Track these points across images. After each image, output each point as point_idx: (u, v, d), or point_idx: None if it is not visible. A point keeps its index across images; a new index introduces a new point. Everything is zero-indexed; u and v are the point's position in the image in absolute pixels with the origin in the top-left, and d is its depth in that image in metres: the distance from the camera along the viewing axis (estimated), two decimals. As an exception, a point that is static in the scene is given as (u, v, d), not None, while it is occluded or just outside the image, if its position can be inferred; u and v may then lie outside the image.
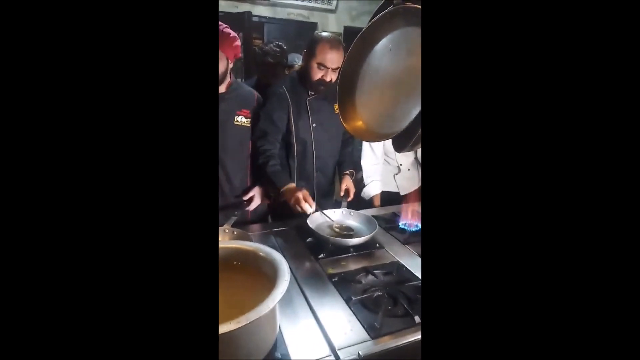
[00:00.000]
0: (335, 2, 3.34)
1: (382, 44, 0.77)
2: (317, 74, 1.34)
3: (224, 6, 3.02)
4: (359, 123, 0.82)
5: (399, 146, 0.73)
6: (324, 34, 1.39)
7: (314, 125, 1.45)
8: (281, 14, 3.31)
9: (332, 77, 1.35)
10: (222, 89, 1.34)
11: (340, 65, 1.34)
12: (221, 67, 1.26)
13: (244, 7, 3.08)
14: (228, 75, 1.32)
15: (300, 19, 3.38)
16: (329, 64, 1.31)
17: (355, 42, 0.78)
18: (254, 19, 3.14)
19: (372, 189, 1.71)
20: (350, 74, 0.80)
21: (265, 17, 3.30)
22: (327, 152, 1.51)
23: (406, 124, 0.73)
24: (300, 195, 1.24)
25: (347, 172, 1.55)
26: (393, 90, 0.78)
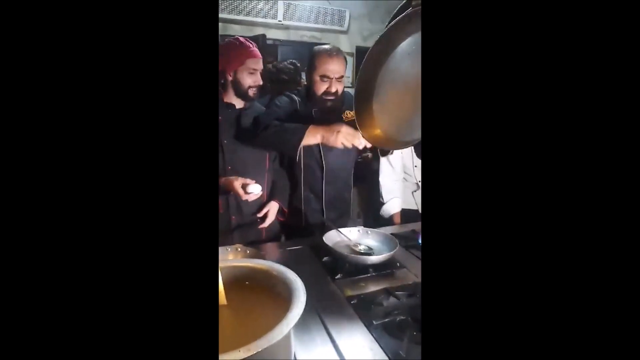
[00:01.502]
0: (347, 23, 3.39)
1: (402, 47, 0.73)
2: (322, 87, 1.30)
3: (238, 30, 3.09)
4: (377, 131, 0.77)
5: (423, 153, 0.68)
6: (323, 46, 1.35)
7: None
8: (294, 36, 3.37)
9: (337, 87, 1.31)
10: (242, 104, 1.33)
11: (343, 74, 1.30)
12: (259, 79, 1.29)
13: (258, 31, 3.15)
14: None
15: (313, 40, 3.43)
16: (331, 74, 1.27)
17: (373, 46, 0.74)
18: (268, 41, 3.20)
19: (392, 206, 1.64)
20: (367, 79, 0.76)
21: (279, 40, 3.36)
22: (336, 164, 1.45)
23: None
24: (342, 134, 1.09)
25: None
26: (413, 96, 0.73)
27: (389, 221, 1.65)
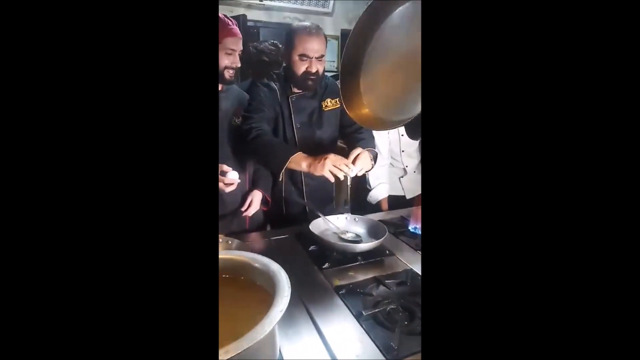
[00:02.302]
0: (331, 5, 3.29)
1: (392, 19, 0.67)
2: (301, 67, 1.23)
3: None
4: (365, 110, 0.72)
5: (415, 133, 0.63)
6: (301, 23, 1.28)
7: (298, 126, 1.34)
8: (276, 17, 3.25)
9: (318, 67, 1.24)
10: (219, 87, 1.25)
11: (324, 54, 1.23)
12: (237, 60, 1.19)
13: (238, 11, 3.02)
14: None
15: (295, 22, 3.32)
16: (311, 53, 1.20)
17: (361, 18, 0.68)
18: (249, 23, 3.07)
19: (379, 192, 1.60)
20: (354, 54, 0.70)
21: (260, 22, 3.23)
22: (315, 153, 1.40)
23: (420, 109, 0.63)
24: (329, 160, 1.04)
25: (370, 150, 1.23)
26: (404, 72, 0.68)
27: (376, 208, 1.62)
